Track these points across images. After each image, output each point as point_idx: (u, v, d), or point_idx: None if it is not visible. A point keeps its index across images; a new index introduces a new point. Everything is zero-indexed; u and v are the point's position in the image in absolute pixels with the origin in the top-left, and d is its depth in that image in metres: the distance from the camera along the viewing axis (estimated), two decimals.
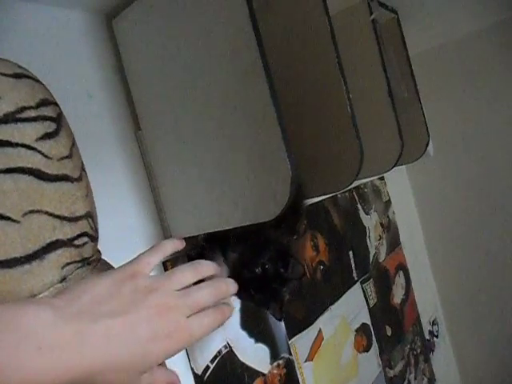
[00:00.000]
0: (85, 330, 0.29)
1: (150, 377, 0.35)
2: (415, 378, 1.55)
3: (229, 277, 0.71)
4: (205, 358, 0.81)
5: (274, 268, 0.72)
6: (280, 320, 0.76)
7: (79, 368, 0.29)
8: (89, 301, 0.31)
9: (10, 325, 0.27)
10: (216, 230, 0.72)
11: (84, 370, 0.29)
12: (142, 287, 0.34)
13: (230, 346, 0.87)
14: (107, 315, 0.31)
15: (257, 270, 0.71)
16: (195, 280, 0.40)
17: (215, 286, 0.40)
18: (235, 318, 0.91)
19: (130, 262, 0.39)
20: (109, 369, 0.30)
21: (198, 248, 0.85)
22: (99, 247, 0.44)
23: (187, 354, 0.78)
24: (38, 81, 0.38)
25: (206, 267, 0.42)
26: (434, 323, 1.80)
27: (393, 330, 1.46)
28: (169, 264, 0.78)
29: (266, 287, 0.72)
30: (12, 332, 0.27)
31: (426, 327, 1.74)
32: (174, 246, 0.45)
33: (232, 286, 0.43)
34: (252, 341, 0.93)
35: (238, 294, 0.75)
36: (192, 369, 0.79)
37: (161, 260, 0.41)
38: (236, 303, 0.92)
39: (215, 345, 0.84)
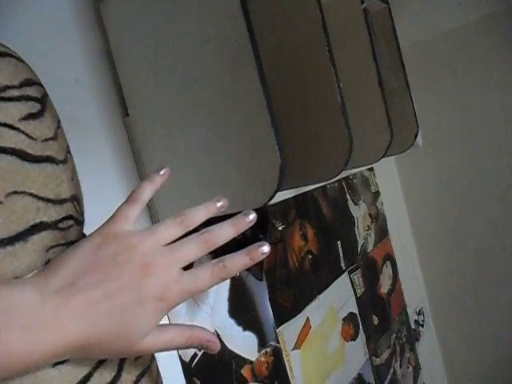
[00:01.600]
0: (64, 305, 0.29)
1: (156, 341, 0.33)
2: (400, 367, 1.58)
3: None
4: None
5: (253, 234, 0.74)
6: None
7: (64, 343, 0.29)
8: (68, 275, 0.30)
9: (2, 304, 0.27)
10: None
11: (70, 345, 0.29)
12: (122, 248, 0.32)
13: (218, 334, 0.87)
14: (86, 287, 0.30)
15: (237, 236, 0.73)
16: (182, 233, 0.36)
17: (207, 235, 0.36)
18: (223, 305, 0.91)
19: (107, 220, 0.36)
20: (96, 340, 0.30)
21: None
22: (85, 233, 0.44)
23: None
24: (21, 60, 0.38)
25: (193, 216, 0.38)
26: (419, 313, 1.83)
27: (379, 319, 1.48)
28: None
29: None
30: (5, 311, 0.27)
31: (412, 317, 1.76)
32: (153, 186, 0.39)
33: (230, 230, 0.38)
34: (240, 329, 0.93)
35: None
36: (179, 356, 0.79)
37: (141, 209, 0.37)
38: (224, 292, 0.92)
39: None
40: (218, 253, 0.80)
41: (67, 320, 0.29)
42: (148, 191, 0.38)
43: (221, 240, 0.38)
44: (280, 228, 1.10)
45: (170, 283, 0.33)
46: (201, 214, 0.38)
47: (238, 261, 0.37)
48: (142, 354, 0.33)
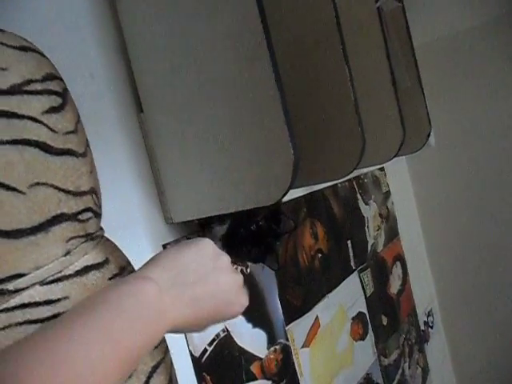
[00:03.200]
0: (178, 298, 0.35)
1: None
2: (409, 367, 1.57)
3: (223, 240, 0.79)
4: (203, 341, 0.82)
5: (268, 225, 0.76)
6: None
7: (177, 323, 0.35)
8: (178, 271, 0.36)
9: (139, 302, 0.32)
10: (216, 213, 0.72)
11: (179, 324, 0.35)
12: (223, 264, 0.40)
13: (227, 330, 0.87)
14: (194, 283, 0.36)
15: (252, 228, 0.77)
16: None
17: None
18: None
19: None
20: (188, 325, 0.37)
21: (198, 232, 0.85)
22: (102, 226, 0.44)
23: (185, 336, 0.79)
24: (43, 55, 0.38)
25: None
26: (429, 314, 1.82)
27: (389, 319, 1.48)
28: (169, 247, 0.78)
29: (261, 242, 0.78)
30: (145, 307, 0.32)
31: (422, 318, 1.75)
32: None
33: None
34: (250, 325, 0.93)
35: (235, 254, 0.80)
36: (190, 351, 0.79)
37: None
38: None
39: (213, 328, 0.85)
40: (235, 245, 0.80)
41: (180, 309, 0.35)
42: None
43: None
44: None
45: (242, 299, 0.42)
46: None
47: None
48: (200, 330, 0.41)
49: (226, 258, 0.41)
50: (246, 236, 0.77)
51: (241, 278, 0.42)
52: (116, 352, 0.28)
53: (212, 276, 0.38)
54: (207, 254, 0.39)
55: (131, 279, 0.35)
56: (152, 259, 0.38)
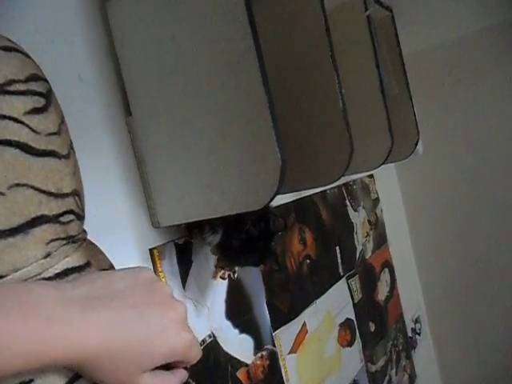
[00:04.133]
0: (92, 312, 0.30)
1: (147, 380, 0.33)
2: (396, 374, 1.57)
3: (219, 250, 0.78)
4: None
5: (258, 228, 0.77)
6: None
7: (84, 346, 0.29)
8: (105, 290, 0.32)
9: (16, 299, 0.28)
10: (204, 218, 0.72)
11: (88, 350, 0.29)
12: (160, 290, 0.35)
13: (214, 336, 0.87)
14: (119, 305, 0.31)
15: (243, 236, 0.76)
16: None
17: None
18: (220, 307, 0.91)
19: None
20: (111, 355, 0.30)
21: (184, 237, 0.85)
22: (85, 229, 0.44)
23: None
24: (27, 56, 0.38)
25: None
26: (416, 321, 1.82)
27: (376, 326, 1.48)
28: (155, 251, 0.78)
29: (255, 247, 0.77)
30: (19, 304, 0.27)
31: (409, 325, 1.76)
32: None
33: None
34: (236, 331, 0.93)
35: (237, 262, 0.82)
36: None
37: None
38: (221, 294, 0.92)
39: (199, 334, 0.84)
40: (231, 255, 0.80)
41: (94, 325, 0.29)
42: None
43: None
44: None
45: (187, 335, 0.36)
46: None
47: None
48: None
49: (166, 289, 0.36)
50: (240, 245, 0.76)
51: (182, 309, 0.36)
52: None
53: (145, 303, 0.33)
54: (142, 278, 0.35)
55: (24, 282, 0.31)
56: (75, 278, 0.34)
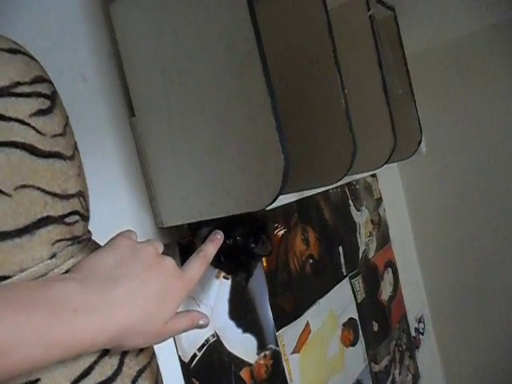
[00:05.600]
0: (109, 294, 0.32)
1: (173, 323, 0.39)
2: (400, 374, 1.57)
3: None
4: (192, 346, 0.82)
5: (245, 242, 0.77)
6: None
7: (111, 327, 0.32)
8: (103, 270, 0.34)
9: (41, 295, 0.29)
10: (207, 218, 0.72)
11: (115, 329, 0.32)
12: (151, 254, 0.38)
13: (217, 335, 0.87)
14: (123, 277, 0.34)
15: (227, 242, 0.76)
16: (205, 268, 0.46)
17: (202, 253, 0.46)
18: (224, 307, 0.91)
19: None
20: (137, 325, 0.34)
21: (188, 237, 0.85)
22: (90, 229, 0.44)
23: (174, 341, 0.79)
24: (33, 58, 0.38)
25: (210, 250, 0.50)
26: (420, 321, 1.82)
27: (379, 325, 1.48)
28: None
29: (234, 257, 0.77)
30: (45, 300, 0.29)
31: (413, 324, 1.76)
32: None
33: (213, 247, 0.50)
34: (240, 331, 0.93)
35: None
36: (179, 356, 0.79)
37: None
38: (225, 293, 0.92)
39: (203, 333, 0.85)
40: (214, 259, 0.80)
41: (113, 306, 0.32)
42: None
43: (212, 255, 0.48)
44: (282, 232, 1.11)
45: (185, 277, 0.41)
46: (214, 248, 0.50)
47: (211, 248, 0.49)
48: (165, 336, 0.38)
49: (150, 247, 0.39)
50: (222, 247, 0.77)
51: (170, 261, 0.40)
52: (5, 341, 0.26)
53: (140, 267, 0.36)
54: (128, 248, 0.38)
55: (48, 278, 0.33)
56: (72, 268, 0.35)
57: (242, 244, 0.76)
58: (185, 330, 0.41)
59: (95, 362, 0.35)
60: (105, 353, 0.36)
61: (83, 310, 0.30)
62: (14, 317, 0.27)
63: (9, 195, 0.31)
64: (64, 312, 0.29)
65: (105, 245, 0.38)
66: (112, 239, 0.39)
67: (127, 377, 0.37)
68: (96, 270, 0.34)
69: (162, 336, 0.38)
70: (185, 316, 0.41)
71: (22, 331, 0.27)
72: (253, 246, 0.77)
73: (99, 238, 0.46)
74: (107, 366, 0.36)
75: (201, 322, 0.42)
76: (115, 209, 0.75)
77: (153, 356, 0.43)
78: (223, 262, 0.77)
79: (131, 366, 0.38)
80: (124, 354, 0.38)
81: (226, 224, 0.75)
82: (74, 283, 0.32)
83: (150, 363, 0.41)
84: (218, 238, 0.51)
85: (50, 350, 0.29)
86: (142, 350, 0.41)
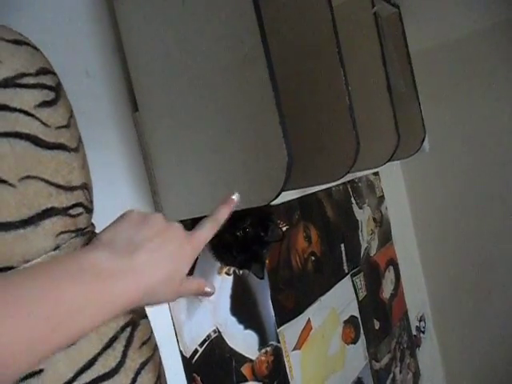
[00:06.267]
0: (133, 257, 0.34)
1: (186, 284, 0.41)
2: (400, 372, 1.57)
3: (211, 241, 0.78)
4: (194, 342, 0.82)
5: (255, 232, 0.76)
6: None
7: (144, 286, 0.34)
8: (122, 239, 0.36)
9: (83, 265, 0.32)
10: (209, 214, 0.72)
11: (144, 289, 0.34)
12: (160, 221, 0.40)
13: (219, 331, 0.87)
14: (141, 243, 0.36)
15: (238, 234, 0.76)
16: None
17: (213, 217, 0.46)
18: (225, 303, 0.91)
19: None
20: (159, 283, 0.36)
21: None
22: (93, 222, 0.44)
23: (176, 337, 0.79)
24: (37, 50, 0.38)
25: (223, 213, 0.48)
26: (421, 319, 1.82)
27: (381, 323, 1.48)
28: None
29: (247, 249, 0.77)
30: (88, 269, 0.31)
31: (414, 323, 1.75)
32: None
33: (226, 209, 0.47)
34: (241, 327, 0.93)
35: (221, 258, 0.80)
36: (181, 351, 0.79)
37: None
38: (227, 289, 0.92)
39: (204, 329, 0.85)
40: (221, 249, 0.80)
41: (139, 269, 0.34)
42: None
43: (223, 218, 0.46)
44: (284, 228, 1.11)
45: (194, 239, 0.42)
46: (227, 211, 0.47)
47: (223, 210, 0.46)
48: (181, 294, 0.41)
49: (156, 216, 0.41)
50: (232, 242, 0.76)
51: (178, 225, 0.42)
52: (42, 320, 0.27)
53: (153, 233, 0.38)
54: (138, 219, 0.39)
55: (78, 251, 0.35)
56: (92, 241, 0.38)
57: (253, 234, 0.76)
58: (195, 293, 0.43)
59: (99, 354, 0.35)
60: (108, 345, 0.36)
61: (119, 275, 0.33)
62: (72, 287, 0.30)
63: (13, 186, 0.31)
64: (106, 279, 0.32)
65: (115, 220, 0.40)
66: (120, 215, 0.41)
67: (130, 369, 0.37)
68: (116, 239, 0.36)
69: (178, 293, 0.40)
70: (194, 279, 0.43)
71: (80, 299, 0.30)
72: (263, 234, 0.77)
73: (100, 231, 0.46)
74: (110, 358, 0.36)
75: (207, 289, 0.44)
76: (117, 203, 0.74)
77: (155, 349, 0.43)
78: (236, 256, 0.77)
79: (134, 359, 0.38)
80: (127, 346, 0.38)
81: (231, 218, 0.74)
82: (103, 251, 0.34)
83: (153, 356, 0.41)
84: (233, 200, 0.48)
85: (100, 314, 0.31)
86: (144, 342, 0.41)
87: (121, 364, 0.36)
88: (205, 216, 0.73)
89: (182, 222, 0.78)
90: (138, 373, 0.38)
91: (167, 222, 0.41)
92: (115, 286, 0.32)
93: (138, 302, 0.34)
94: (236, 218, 0.76)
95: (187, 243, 0.41)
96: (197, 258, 0.82)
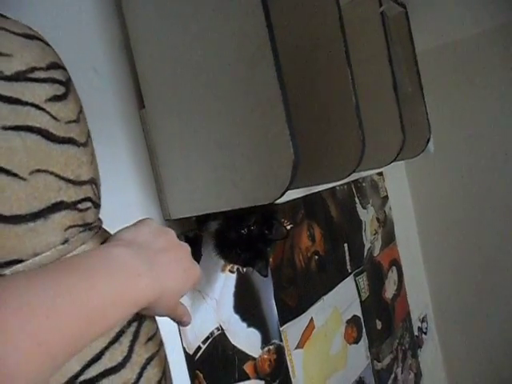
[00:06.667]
0: (153, 261, 0.36)
1: (179, 306, 0.42)
2: (402, 372, 1.57)
3: (215, 238, 0.80)
4: (197, 339, 0.82)
5: (260, 230, 0.77)
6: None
7: (158, 290, 0.35)
8: (144, 239, 0.37)
9: (111, 261, 0.33)
10: (215, 211, 0.72)
11: (157, 292, 0.35)
12: (175, 238, 0.42)
13: (222, 329, 0.87)
14: (161, 250, 0.38)
15: (242, 231, 0.77)
16: None
17: None
18: (229, 301, 0.91)
19: None
20: (167, 292, 0.37)
21: (194, 230, 0.85)
22: (100, 217, 0.44)
23: (179, 333, 0.79)
24: (48, 44, 0.38)
25: None
26: (423, 320, 1.82)
27: (383, 323, 1.48)
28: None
29: (251, 247, 0.78)
30: (117, 266, 0.33)
31: (416, 323, 1.75)
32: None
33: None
34: (244, 325, 0.93)
35: (225, 256, 0.81)
36: (184, 348, 0.79)
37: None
38: (230, 287, 0.92)
39: (208, 326, 0.85)
40: (225, 247, 0.80)
41: (157, 272, 0.36)
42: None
43: None
44: (288, 227, 1.11)
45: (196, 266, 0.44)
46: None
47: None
48: (173, 311, 0.41)
49: (171, 231, 0.42)
50: (236, 239, 0.76)
51: (188, 247, 0.43)
52: (83, 312, 0.29)
53: (168, 246, 0.39)
54: (156, 229, 0.41)
55: (101, 247, 0.36)
56: (111, 238, 0.39)
57: (258, 232, 0.76)
58: (178, 317, 0.44)
59: (106, 348, 0.35)
60: (115, 339, 0.36)
61: (144, 274, 0.34)
62: (104, 284, 0.31)
63: (24, 179, 0.32)
64: (133, 276, 0.33)
65: (135, 223, 0.41)
66: (139, 220, 0.42)
67: (136, 364, 0.38)
68: (137, 239, 0.37)
69: (173, 311, 0.41)
70: (183, 305, 0.44)
71: (112, 294, 0.31)
72: (267, 232, 0.78)
73: (107, 227, 0.46)
74: (117, 353, 0.36)
75: (186, 319, 0.44)
76: (123, 200, 0.75)
77: (161, 345, 0.43)
78: (240, 254, 0.77)
79: (140, 354, 0.38)
80: (133, 341, 0.38)
81: (236, 216, 0.75)
82: (127, 249, 0.35)
83: (159, 351, 0.41)
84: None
85: (127, 309, 0.33)
86: (150, 338, 0.41)
87: (127, 359, 0.36)
88: (211, 213, 0.73)
89: (186, 218, 0.79)
90: (144, 368, 0.38)
91: (179, 241, 0.43)
92: (140, 283, 0.33)
93: (148, 304, 0.35)
94: (240, 216, 0.76)
95: (194, 266, 0.42)
96: (200, 256, 0.82)
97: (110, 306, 0.31)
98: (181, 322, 0.45)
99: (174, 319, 0.43)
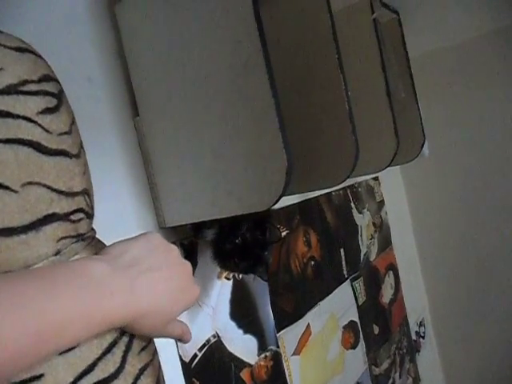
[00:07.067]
0: (135, 280, 0.34)
1: (172, 326, 0.40)
2: (400, 377, 1.57)
3: (212, 250, 0.79)
4: (193, 346, 0.82)
5: (253, 236, 0.77)
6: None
7: (135, 310, 0.34)
8: (131, 258, 0.36)
9: (81, 276, 0.31)
10: (210, 218, 0.73)
11: (137, 312, 0.34)
12: (177, 255, 0.40)
13: (218, 336, 0.87)
14: (149, 269, 0.36)
15: (237, 241, 0.76)
16: None
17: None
18: (225, 308, 0.91)
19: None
20: (151, 313, 0.36)
21: (190, 237, 0.85)
22: (94, 227, 0.45)
23: (176, 341, 0.79)
24: (40, 57, 0.39)
25: None
26: (420, 324, 1.82)
27: (380, 328, 1.48)
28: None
29: (248, 254, 0.78)
30: (86, 281, 0.31)
31: (413, 328, 1.75)
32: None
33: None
34: (241, 331, 0.93)
35: (225, 266, 0.81)
36: (180, 356, 0.79)
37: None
38: (226, 294, 0.92)
39: (204, 334, 0.85)
40: (223, 258, 0.80)
41: (137, 292, 0.34)
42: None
43: None
44: (284, 233, 1.11)
45: (194, 288, 0.42)
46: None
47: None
48: (161, 335, 0.40)
49: (174, 248, 0.41)
50: (233, 249, 0.76)
51: (189, 266, 0.42)
52: (34, 327, 0.27)
53: (164, 264, 0.38)
54: (156, 245, 0.39)
55: (79, 259, 0.35)
56: (101, 251, 0.38)
57: (252, 238, 0.76)
58: (174, 337, 0.43)
59: (98, 359, 0.35)
60: (107, 350, 0.36)
61: (118, 293, 0.33)
62: (65, 298, 0.29)
63: (15, 191, 0.32)
64: (105, 295, 0.32)
65: (136, 235, 0.40)
66: (145, 232, 0.41)
67: (129, 374, 0.37)
68: (125, 255, 0.36)
69: (161, 332, 0.39)
70: (179, 325, 0.42)
71: (74, 310, 0.30)
72: (260, 237, 0.78)
73: (102, 236, 0.46)
74: (110, 364, 0.36)
75: (185, 337, 0.43)
76: (118, 208, 0.75)
77: (155, 354, 0.43)
78: (239, 263, 0.77)
79: (133, 364, 0.38)
80: (126, 351, 0.38)
81: (230, 224, 0.75)
82: (104, 265, 0.33)
83: (152, 361, 0.41)
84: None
85: (92, 328, 0.31)
86: (143, 348, 0.41)
87: (120, 369, 0.36)
88: (206, 221, 0.74)
89: (181, 226, 0.79)
90: (137, 378, 0.38)
91: (181, 259, 0.41)
92: (112, 302, 0.32)
93: (124, 324, 0.34)
94: (232, 225, 0.77)
95: (191, 288, 0.41)
96: (196, 263, 0.82)
97: (69, 322, 0.29)
98: (179, 340, 0.43)
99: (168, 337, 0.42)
